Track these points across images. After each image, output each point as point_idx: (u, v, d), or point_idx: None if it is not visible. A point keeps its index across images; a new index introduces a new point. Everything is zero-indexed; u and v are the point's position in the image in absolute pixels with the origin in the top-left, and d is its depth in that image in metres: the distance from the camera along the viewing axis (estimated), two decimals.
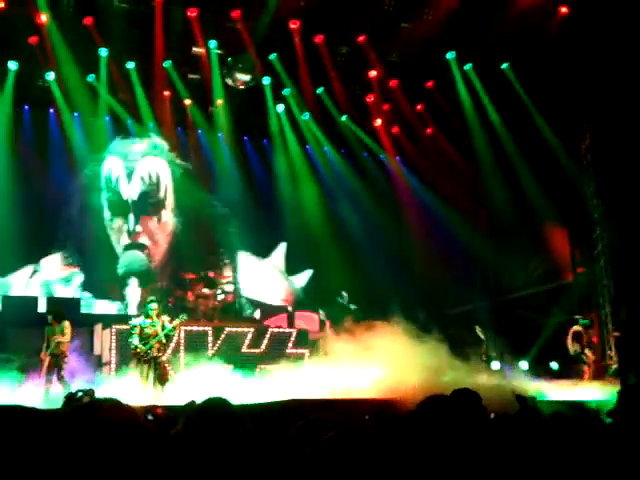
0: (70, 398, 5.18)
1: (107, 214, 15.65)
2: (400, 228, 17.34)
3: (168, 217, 16.16)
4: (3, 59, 13.43)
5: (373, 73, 15.19)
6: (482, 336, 13.82)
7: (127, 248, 15.61)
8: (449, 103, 15.58)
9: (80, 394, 5.59)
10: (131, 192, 15.82)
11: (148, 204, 15.94)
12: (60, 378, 10.17)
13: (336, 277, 16.57)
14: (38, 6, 12.56)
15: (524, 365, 12.96)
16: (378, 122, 16.68)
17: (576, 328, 12.40)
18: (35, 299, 13.30)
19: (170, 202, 16.16)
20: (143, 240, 15.80)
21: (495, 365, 13.20)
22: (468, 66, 14.83)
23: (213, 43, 14.18)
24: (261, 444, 2.22)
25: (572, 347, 12.25)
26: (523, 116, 14.35)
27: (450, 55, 14.60)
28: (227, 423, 2.13)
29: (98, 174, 15.62)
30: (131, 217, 15.72)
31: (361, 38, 14.08)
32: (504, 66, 14.42)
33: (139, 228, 15.77)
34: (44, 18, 12.87)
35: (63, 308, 11.17)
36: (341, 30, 14.02)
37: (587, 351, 12.25)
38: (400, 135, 17.01)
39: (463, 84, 15.08)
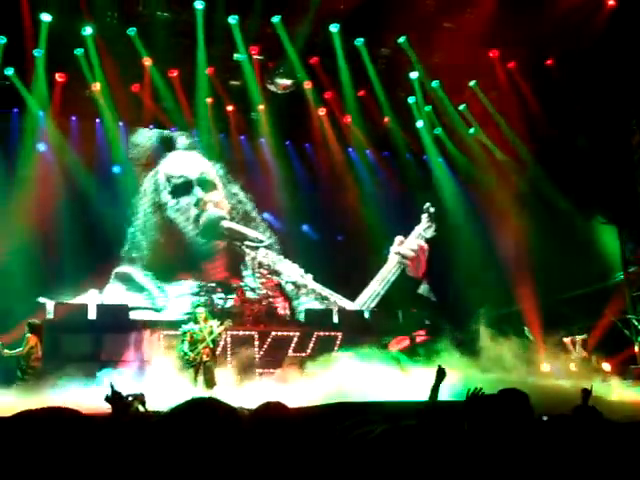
0: (118, 401, 5.22)
1: (172, 202, 15.72)
2: (444, 229, 17.22)
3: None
4: (51, 71, 13.73)
5: (415, 74, 15.11)
6: (531, 337, 13.58)
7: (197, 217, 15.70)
8: (492, 102, 15.40)
9: (130, 398, 5.64)
10: (193, 172, 15.98)
11: (209, 183, 16.06)
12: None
13: None
14: (84, 19, 12.85)
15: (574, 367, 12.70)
16: (420, 123, 16.57)
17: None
18: (85, 306, 13.55)
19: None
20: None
21: (545, 366, 12.96)
22: (511, 64, 14.63)
23: (254, 49, 14.28)
24: (315, 443, 2.21)
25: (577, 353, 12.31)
26: (569, 113, 14.08)
27: (493, 53, 14.43)
28: (285, 425, 2.13)
29: (156, 182, 15.74)
30: (197, 189, 15.86)
31: (402, 39, 14.00)
32: (549, 63, 14.19)
33: (208, 197, 15.89)
34: (89, 30, 13.16)
35: (34, 323, 11.24)
36: (381, 32, 13.97)
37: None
38: (442, 136, 16.87)
39: (507, 82, 14.88)
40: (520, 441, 2.30)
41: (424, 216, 17.63)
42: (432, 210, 17.63)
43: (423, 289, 16.93)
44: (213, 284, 15.26)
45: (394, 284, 16.88)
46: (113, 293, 14.68)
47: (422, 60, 14.56)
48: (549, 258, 14.35)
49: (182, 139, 16.05)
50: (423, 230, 17.49)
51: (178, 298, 15.11)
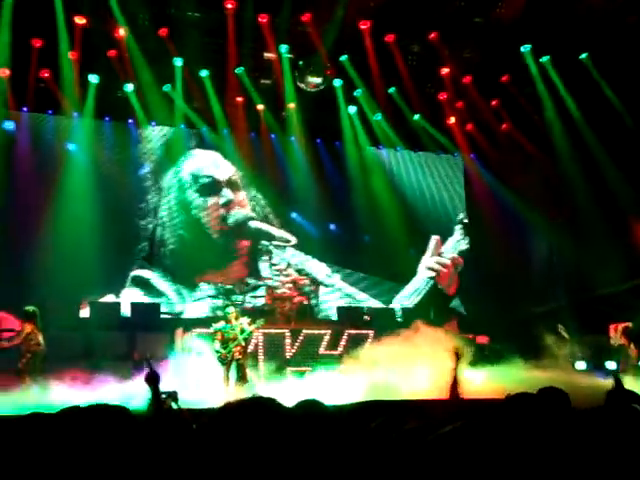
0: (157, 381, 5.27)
1: (199, 201, 15.72)
2: (476, 226, 17.08)
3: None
4: (85, 73, 13.92)
5: (446, 70, 14.98)
6: (565, 335, 13.40)
7: (225, 218, 15.76)
8: (525, 97, 15.22)
9: (164, 396, 5.68)
10: (222, 174, 15.99)
11: (235, 183, 16.10)
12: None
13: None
14: (117, 21, 13.00)
15: (611, 365, 12.49)
16: (452, 120, 16.44)
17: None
18: (118, 304, 13.70)
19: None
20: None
21: (580, 365, 12.78)
22: (545, 58, 14.44)
23: (284, 47, 14.29)
24: (353, 440, 2.21)
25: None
26: (604, 107, 13.85)
27: (525, 48, 14.25)
28: (323, 423, 2.13)
29: (180, 180, 15.84)
30: (226, 191, 15.91)
31: (433, 35, 13.90)
32: (583, 56, 13.97)
33: (236, 198, 15.93)
34: (122, 32, 13.32)
35: (26, 310, 11.05)
36: (412, 28, 13.88)
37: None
38: (475, 132, 16.72)
39: (540, 77, 14.70)
40: (561, 440, 2.26)
41: (457, 227, 17.41)
42: (466, 221, 17.41)
43: (455, 304, 16.75)
44: (232, 286, 15.10)
45: (425, 297, 16.71)
46: (130, 297, 14.44)
47: (453, 56, 14.43)
48: (584, 255, 14.14)
49: (206, 137, 16.04)
50: (456, 242, 17.28)
51: (195, 302, 15.04)
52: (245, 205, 16.03)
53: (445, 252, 17.12)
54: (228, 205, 15.81)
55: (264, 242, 16.01)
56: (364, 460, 2.17)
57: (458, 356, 4.49)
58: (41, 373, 10.45)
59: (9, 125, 14.08)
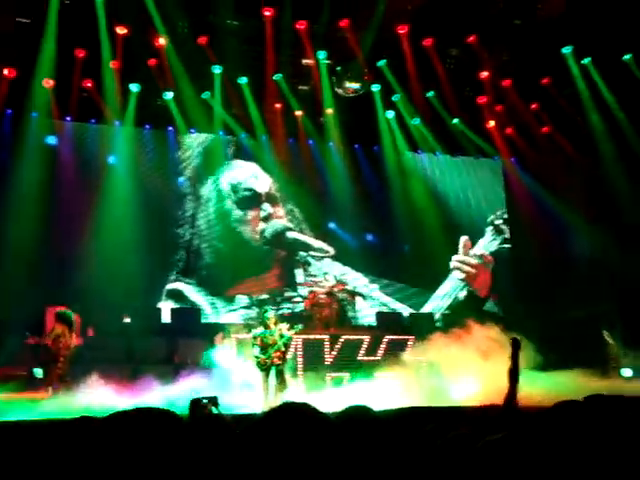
0: (196, 404, 5.33)
1: (238, 213, 15.75)
2: (517, 229, 16.87)
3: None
4: (126, 82, 14.14)
5: (485, 74, 14.85)
6: (610, 340, 13.12)
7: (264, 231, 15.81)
8: (566, 99, 14.99)
9: (205, 401, 5.74)
10: (262, 186, 16.05)
11: (274, 196, 16.14)
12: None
13: None
14: (157, 30, 13.19)
15: None
16: (491, 123, 16.28)
17: None
18: (159, 310, 13.86)
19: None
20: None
21: (627, 372, 12.50)
22: (587, 60, 14.22)
23: (322, 54, 14.33)
24: (399, 447, 2.19)
25: None
26: None
27: (567, 49, 14.05)
28: (371, 429, 2.12)
29: (219, 190, 15.95)
30: (266, 205, 15.96)
31: (471, 38, 13.79)
32: (626, 57, 13.72)
33: (275, 210, 15.97)
34: (162, 41, 13.51)
35: (57, 312, 11.30)
36: (450, 32, 13.80)
37: None
38: (515, 135, 16.54)
39: (582, 79, 14.48)
40: (609, 449, 2.20)
41: (489, 229, 17.20)
42: (498, 222, 17.19)
43: (489, 306, 16.52)
44: (268, 296, 15.07)
45: (458, 299, 16.53)
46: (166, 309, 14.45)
47: (492, 59, 14.29)
48: (629, 258, 13.84)
49: (245, 144, 16.11)
50: (487, 243, 17.07)
51: (229, 313, 15.05)
52: (282, 216, 16.03)
53: (473, 254, 16.94)
54: (267, 214, 15.85)
55: (301, 253, 16.00)
56: (411, 467, 2.15)
57: (517, 346, 4.38)
58: (68, 376, 10.62)
59: (52, 140, 14.34)
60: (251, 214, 15.83)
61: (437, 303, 16.29)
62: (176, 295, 14.80)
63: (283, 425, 1.77)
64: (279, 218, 15.95)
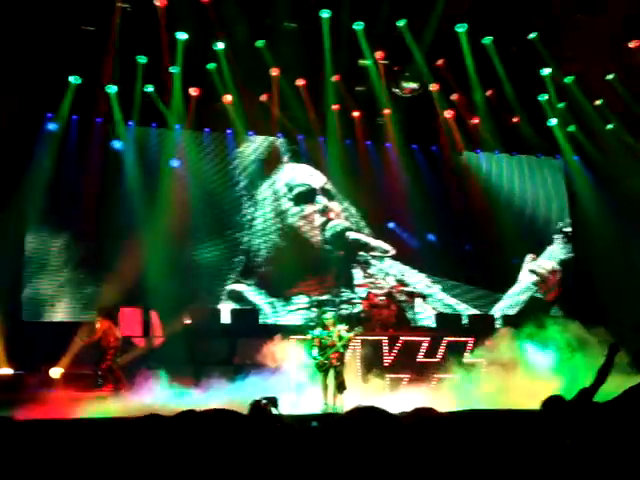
0: (256, 406, 5.36)
1: (294, 210, 15.81)
2: (580, 231, 16.48)
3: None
4: (186, 86, 14.38)
5: (546, 70, 14.54)
6: None
7: (323, 225, 15.85)
8: (634, 96, 14.55)
9: (264, 401, 5.78)
10: (316, 181, 16.09)
11: (330, 193, 16.15)
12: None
13: None
14: (215, 34, 13.39)
15: None
16: (553, 121, 15.93)
17: None
18: (218, 311, 14.03)
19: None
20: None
21: None
22: None
23: (379, 54, 14.28)
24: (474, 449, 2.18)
25: None
26: None
27: (633, 44, 13.64)
28: (438, 429, 2.10)
29: (275, 191, 16.05)
30: (321, 198, 15.99)
31: (532, 35, 13.53)
32: None
33: (332, 206, 16.00)
34: (221, 45, 13.71)
35: (104, 307, 11.80)
36: (510, 29, 13.57)
37: None
38: (578, 133, 16.14)
39: None
40: None
41: (557, 237, 16.81)
42: (567, 230, 16.80)
43: (554, 311, 16.14)
44: (327, 297, 15.03)
45: (525, 304, 16.22)
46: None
47: (554, 55, 13.99)
48: None
49: (303, 145, 16.18)
50: (556, 251, 16.70)
51: (289, 314, 15.09)
52: (341, 216, 16.04)
53: (544, 259, 16.59)
54: (324, 212, 15.87)
55: (361, 253, 15.96)
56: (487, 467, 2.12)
57: (615, 350, 4.34)
58: (118, 370, 11.05)
59: (117, 144, 14.69)
60: (307, 209, 15.89)
61: (503, 304, 16.04)
62: (236, 296, 14.94)
63: (360, 426, 1.78)
64: (338, 217, 15.95)
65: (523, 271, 16.49)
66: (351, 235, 16.00)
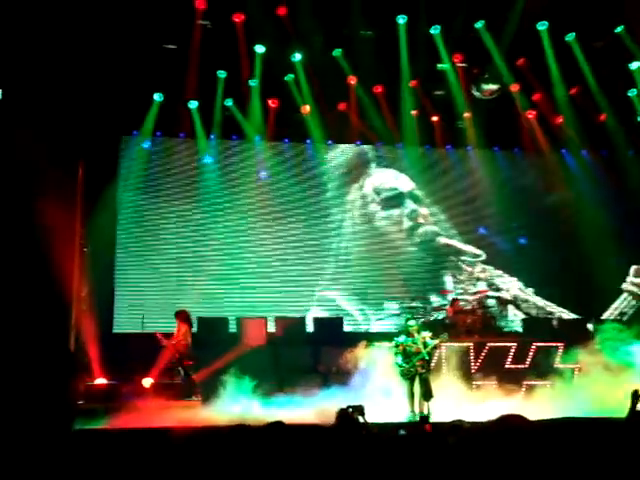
0: (343, 414, 5.36)
1: (383, 214, 15.84)
2: None
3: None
4: (265, 98, 14.59)
5: (635, 64, 13.98)
6: None
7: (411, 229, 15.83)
8: None
9: (350, 410, 5.77)
10: (404, 185, 16.06)
11: (418, 197, 16.06)
12: (178, 373, 11.42)
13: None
14: (293, 46, 13.56)
15: None
16: None
17: None
18: (303, 319, 14.11)
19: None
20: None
21: None
22: None
23: (457, 57, 14.10)
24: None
25: None
26: None
27: None
28: (526, 438, 2.04)
29: (363, 195, 16.03)
30: (409, 202, 15.95)
31: (619, 28, 13.04)
32: None
33: (421, 210, 15.94)
34: (298, 56, 13.86)
35: (184, 312, 11.97)
36: (594, 24, 13.13)
37: None
38: None
39: None
40: None
41: None
42: None
43: None
44: (417, 302, 14.84)
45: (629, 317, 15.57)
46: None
47: None
48: None
49: (382, 152, 16.12)
50: None
51: (379, 321, 15.08)
52: (430, 220, 15.92)
53: None
54: (413, 217, 15.80)
55: (452, 258, 15.78)
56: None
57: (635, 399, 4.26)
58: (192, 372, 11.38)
59: (208, 159, 15.06)
60: (396, 213, 15.86)
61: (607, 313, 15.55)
62: (326, 303, 15.05)
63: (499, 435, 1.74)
64: (427, 222, 15.84)
65: (626, 283, 15.91)
66: (441, 240, 15.84)
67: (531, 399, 10.99)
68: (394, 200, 15.93)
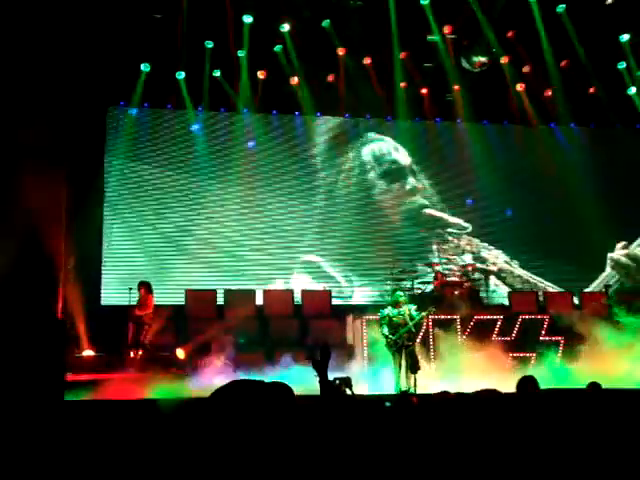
0: (329, 384, 5.36)
1: (381, 185, 15.80)
2: None
3: None
4: (253, 69, 14.45)
5: (626, 36, 13.92)
6: None
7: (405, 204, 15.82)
8: None
9: (337, 382, 5.78)
10: (405, 159, 16.02)
11: (416, 172, 16.03)
12: (142, 344, 11.44)
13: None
14: (281, 16, 13.39)
15: None
16: (632, 90, 15.26)
17: None
18: (291, 292, 14.12)
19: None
20: None
21: None
22: None
23: (447, 28, 13.98)
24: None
25: None
26: None
27: None
28: (498, 408, 2.06)
29: (361, 163, 15.95)
30: (410, 178, 15.92)
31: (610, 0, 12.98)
32: None
33: (420, 185, 15.94)
34: (287, 27, 13.70)
35: (149, 282, 12.10)
36: None
37: None
38: None
39: None
40: None
41: None
42: None
43: None
44: (401, 272, 14.79)
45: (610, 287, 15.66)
46: (299, 282, 14.77)
47: (635, 19, 13.36)
48: None
49: (371, 124, 16.03)
50: None
51: (363, 286, 15.17)
52: (419, 192, 15.91)
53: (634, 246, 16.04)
54: (413, 193, 15.78)
55: (438, 230, 15.79)
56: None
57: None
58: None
59: (196, 128, 14.94)
60: (395, 186, 15.80)
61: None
62: (311, 267, 15.05)
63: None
64: (419, 193, 15.84)
65: (612, 257, 16.01)
66: (428, 212, 15.83)
67: (517, 371, 11.08)
68: (393, 167, 15.89)
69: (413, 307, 10.55)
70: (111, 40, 12.66)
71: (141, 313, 11.86)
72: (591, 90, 15.25)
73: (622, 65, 14.87)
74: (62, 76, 11.80)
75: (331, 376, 5.94)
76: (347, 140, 15.91)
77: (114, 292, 13.66)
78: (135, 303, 12.09)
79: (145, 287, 12.08)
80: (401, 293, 10.80)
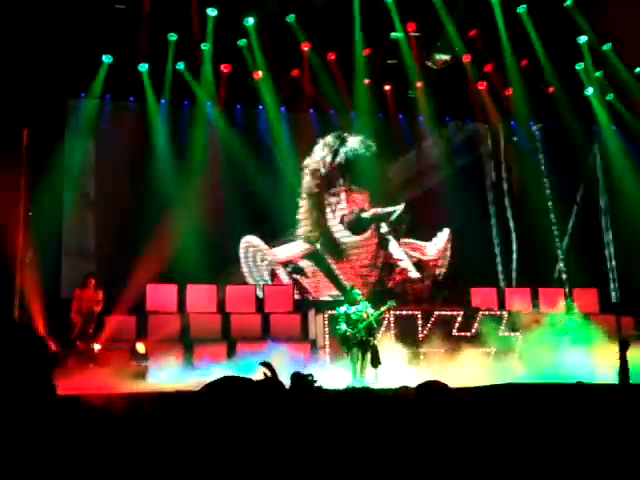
0: (298, 377, 5.38)
1: (324, 194, 15.76)
2: (618, 204, 16.15)
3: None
4: (217, 63, 14.37)
5: (583, 38, 14.20)
6: None
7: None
8: None
9: (310, 378, 5.79)
10: (340, 161, 15.93)
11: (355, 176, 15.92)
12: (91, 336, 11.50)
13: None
14: (246, 10, 13.35)
15: None
16: (590, 90, 15.57)
17: None
18: (254, 287, 14.13)
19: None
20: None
21: None
22: None
23: (411, 26, 14.10)
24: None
25: None
26: None
27: None
28: (445, 403, 2.11)
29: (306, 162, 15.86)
30: (347, 176, 15.85)
31: (568, 2, 13.21)
32: None
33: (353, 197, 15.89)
34: (251, 20, 13.66)
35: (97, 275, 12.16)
36: None
37: None
38: (616, 103, 15.76)
39: None
40: None
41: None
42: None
43: None
44: (360, 272, 14.93)
45: None
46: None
47: (592, 23, 13.64)
48: None
49: (334, 120, 16.00)
50: None
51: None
52: (364, 193, 15.85)
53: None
54: (345, 195, 15.72)
55: (382, 224, 15.76)
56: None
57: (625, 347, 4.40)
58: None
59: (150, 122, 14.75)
60: (334, 190, 15.72)
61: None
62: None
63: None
64: (359, 195, 15.75)
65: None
66: (365, 215, 15.73)
67: (475, 366, 11.25)
68: (335, 171, 15.77)
69: (370, 309, 10.52)
70: (72, 31, 12.47)
71: (99, 309, 11.76)
72: (550, 90, 15.50)
73: (580, 66, 15.14)
74: (20, 68, 11.61)
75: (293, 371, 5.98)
76: (309, 137, 15.84)
77: (74, 284, 13.45)
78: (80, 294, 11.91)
79: (97, 280, 11.96)
80: (358, 291, 10.85)
